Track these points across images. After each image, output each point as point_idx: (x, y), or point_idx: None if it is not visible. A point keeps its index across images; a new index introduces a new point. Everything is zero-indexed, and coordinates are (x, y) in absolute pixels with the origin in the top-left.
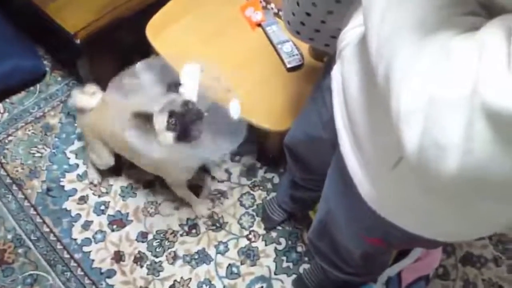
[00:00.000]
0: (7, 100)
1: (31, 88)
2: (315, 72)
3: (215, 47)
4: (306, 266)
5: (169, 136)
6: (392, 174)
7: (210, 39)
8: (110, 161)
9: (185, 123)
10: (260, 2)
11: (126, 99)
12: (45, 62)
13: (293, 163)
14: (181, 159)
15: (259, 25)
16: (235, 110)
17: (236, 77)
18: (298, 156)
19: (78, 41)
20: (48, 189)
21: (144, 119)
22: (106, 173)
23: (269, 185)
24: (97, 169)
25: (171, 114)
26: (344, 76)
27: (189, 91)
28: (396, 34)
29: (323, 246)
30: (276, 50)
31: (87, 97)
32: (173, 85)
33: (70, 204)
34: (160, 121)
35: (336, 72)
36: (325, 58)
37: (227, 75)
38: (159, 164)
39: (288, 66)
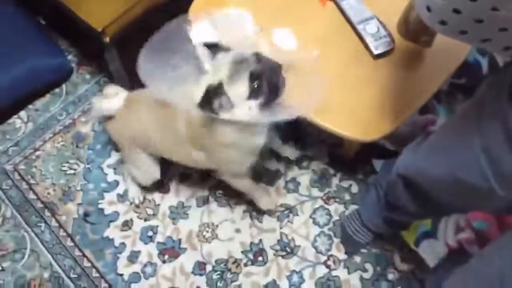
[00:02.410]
0: (30, 106)
1: (57, 89)
2: (410, 58)
3: None
4: None
5: (254, 105)
6: None
7: (269, 21)
8: (155, 173)
9: (273, 82)
10: None
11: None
12: (70, 57)
13: (408, 196)
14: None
15: None
16: (286, 38)
17: None
18: (422, 193)
19: (107, 39)
20: (86, 214)
21: (210, 95)
22: (151, 189)
23: (346, 196)
24: (140, 185)
25: (253, 77)
26: None
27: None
28: None
29: None
30: (356, 31)
31: (111, 100)
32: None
33: (112, 232)
34: (238, 89)
35: None
36: (424, 38)
37: None
38: (222, 151)
39: (375, 52)
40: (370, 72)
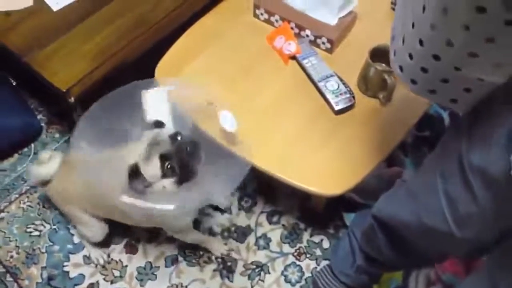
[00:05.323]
0: None
1: (25, 149)
2: (370, 113)
3: (240, 89)
4: None
5: (169, 183)
6: None
7: (233, 80)
8: (103, 228)
9: (184, 162)
10: (292, 28)
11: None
12: (39, 116)
13: (385, 242)
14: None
15: (293, 57)
16: (228, 122)
17: (269, 126)
18: (397, 237)
19: (72, 100)
20: (50, 278)
21: (131, 172)
22: (107, 244)
23: (318, 252)
24: (98, 244)
25: (163, 158)
26: None
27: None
28: None
29: None
30: (317, 88)
31: (46, 166)
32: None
33: None
34: (151, 170)
35: None
36: (382, 94)
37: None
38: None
39: (336, 108)
40: (332, 128)
